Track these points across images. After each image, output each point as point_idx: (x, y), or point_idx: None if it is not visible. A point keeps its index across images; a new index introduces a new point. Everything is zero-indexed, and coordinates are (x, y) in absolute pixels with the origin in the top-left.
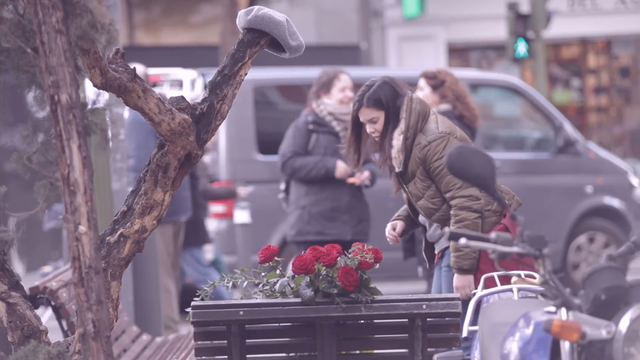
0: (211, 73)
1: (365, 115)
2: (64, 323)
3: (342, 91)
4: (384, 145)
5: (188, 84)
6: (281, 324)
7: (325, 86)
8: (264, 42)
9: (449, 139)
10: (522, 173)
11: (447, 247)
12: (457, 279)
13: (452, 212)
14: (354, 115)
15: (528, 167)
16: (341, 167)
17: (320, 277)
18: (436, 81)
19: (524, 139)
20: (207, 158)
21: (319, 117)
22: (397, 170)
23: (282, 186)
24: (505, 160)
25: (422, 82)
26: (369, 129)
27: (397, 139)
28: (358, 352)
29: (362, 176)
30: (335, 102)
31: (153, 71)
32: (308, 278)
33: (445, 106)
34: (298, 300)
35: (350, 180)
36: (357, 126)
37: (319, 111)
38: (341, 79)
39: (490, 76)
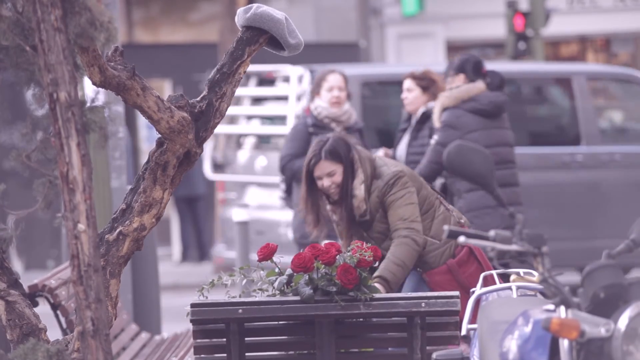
0: (318, 70)
1: (323, 168)
2: (63, 320)
3: (329, 91)
4: (344, 197)
5: (295, 80)
6: (280, 322)
7: (316, 87)
8: (263, 40)
9: (400, 176)
10: None
11: None
12: (380, 288)
13: (395, 238)
14: (309, 171)
15: None
16: None
17: (319, 275)
18: (426, 82)
19: None
20: None
21: (318, 119)
22: (365, 218)
23: (283, 187)
24: (626, 154)
25: (410, 84)
26: (326, 182)
27: (359, 189)
28: (357, 350)
29: None
30: (325, 103)
31: (267, 68)
32: (307, 276)
33: (432, 104)
34: (297, 298)
35: None
36: (311, 184)
37: (317, 113)
38: (328, 79)
39: (610, 69)
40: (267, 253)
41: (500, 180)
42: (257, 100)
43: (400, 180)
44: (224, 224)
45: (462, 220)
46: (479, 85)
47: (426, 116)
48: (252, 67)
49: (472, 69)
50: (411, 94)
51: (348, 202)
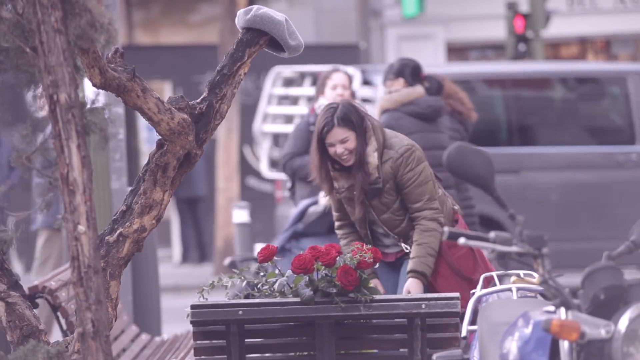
0: (372, 70)
1: (336, 135)
2: (63, 322)
3: (333, 89)
4: (359, 163)
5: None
6: (280, 324)
7: (321, 86)
8: (263, 41)
9: (414, 150)
10: None
11: (405, 253)
12: (414, 283)
13: (420, 222)
14: (320, 139)
15: None
16: None
17: (320, 276)
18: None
19: None
20: None
21: None
22: (377, 186)
23: (289, 184)
24: None
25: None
26: (339, 149)
27: (372, 156)
28: (357, 351)
29: None
30: (329, 101)
31: (322, 68)
32: (307, 277)
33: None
34: (297, 299)
35: None
36: (323, 153)
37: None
38: (333, 77)
39: None
40: (267, 254)
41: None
42: (312, 100)
43: (414, 154)
44: (282, 221)
45: (456, 207)
46: (418, 90)
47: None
48: (307, 67)
49: (411, 74)
50: None
51: (364, 167)
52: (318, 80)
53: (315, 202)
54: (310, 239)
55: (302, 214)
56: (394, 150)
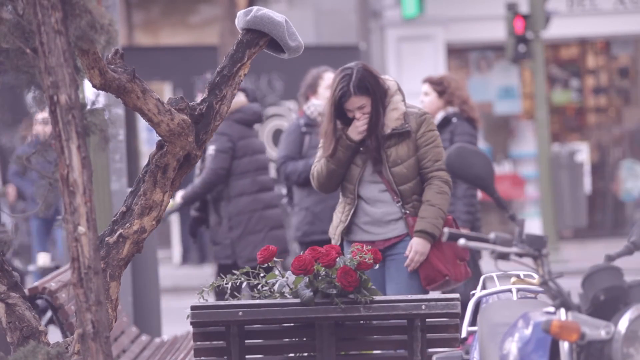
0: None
1: (354, 103)
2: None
3: (328, 89)
4: (373, 127)
5: None
6: (280, 325)
7: (312, 87)
8: (263, 42)
9: (430, 116)
10: None
11: (401, 236)
12: (421, 243)
13: (435, 182)
14: (336, 106)
15: None
16: None
17: (320, 277)
18: (442, 87)
19: None
20: None
21: (310, 118)
22: (406, 128)
23: (284, 191)
24: None
25: (427, 88)
26: (357, 114)
27: (400, 104)
28: (357, 352)
29: None
30: (323, 102)
31: None
32: (307, 278)
33: (452, 109)
34: (297, 300)
35: None
36: (336, 116)
37: (310, 113)
38: (325, 77)
39: None
40: (267, 255)
41: (261, 185)
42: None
43: (431, 119)
44: None
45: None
46: (242, 98)
47: (446, 120)
48: None
49: None
50: (427, 97)
51: (379, 122)
52: (304, 82)
53: None
54: None
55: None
56: (417, 109)
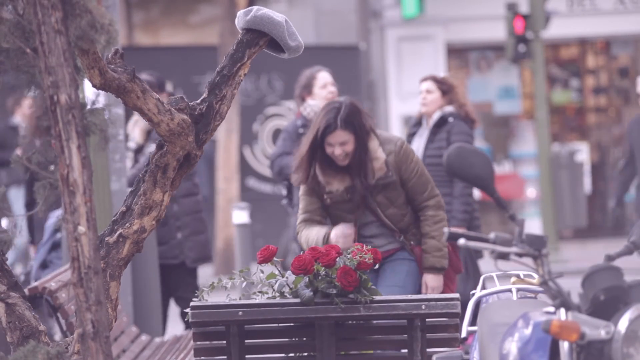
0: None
1: (338, 137)
2: (63, 323)
3: (324, 88)
4: (357, 166)
5: None
6: (280, 325)
7: (306, 88)
8: (263, 42)
9: (405, 142)
10: None
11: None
12: (434, 279)
13: (429, 213)
14: (319, 136)
15: None
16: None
17: (320, 277)
18: (446, 86)
19: None
20: None
21: (307, 119)
22: (390, 179)
23: (284, 192)
24: None
25: (431, 85)
26: (337, 150)
27: (379, 151)
28: (357, 352)
29: None
30: (320, 101)
31: None
32: (307, 278)
33: (449, 108)
34: (297, 300)
35: None
36: (316, 150)
37: (307, 114)
38: (319, 77)
39: None
40: (267, 255)
41: (183, 191)
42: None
43: (407, 146)
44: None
45: None
46: None
47: (443, 120)
48: None
49: (158, 85)
50: (430, 95)
51: (363, 170)
52: (298, 84)
53: None
54: None
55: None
56: (392, 144)
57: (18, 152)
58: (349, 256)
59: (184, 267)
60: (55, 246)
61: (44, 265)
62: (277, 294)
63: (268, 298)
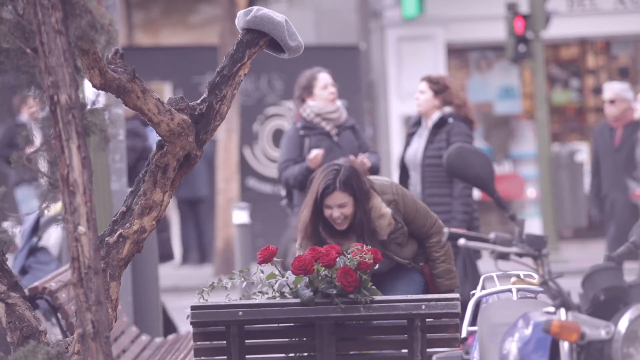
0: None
1: (337, 199)
2: (63, 323)
3: (324, 89)
4: (358, 227)
5: None
6: (280, 325)
7: (307, 89)
8: (263, 42)
9: (395, 183)
10: None
11: None
12: None
13: (434, 239)
14: (318, 198)
15: None
16: (311, 158)
17: (320, 277)
18: (439, 86)
19: None
20: None
21: (307, 120)
22: (401, 231)
23: (283, 193)
24: None
25: (423, 86)
26: (335, 213)
27: (383, 207)
28: (357, 352)
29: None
30: (321, 102)
31: None
32: (307, 278)
33: (449, 109)
34: (297, 300)
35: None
36: (317, 210)
37: (307, 115)
38: (319, 78)
39: None
40: (267, 255)
41: None
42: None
43: (400, 187)
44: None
45: None
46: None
47: (443, 121)
48: None
49: None
50: (423, 95)
51: (365, 230)
52: (298, 85)
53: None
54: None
55: (36, 228)
56: (389, 193)
57: (28, 150)
58: (349, 256)
59: None
60: (33, 251)
61: (24, 271)
62: (277, 294)
63: (268, 298)
